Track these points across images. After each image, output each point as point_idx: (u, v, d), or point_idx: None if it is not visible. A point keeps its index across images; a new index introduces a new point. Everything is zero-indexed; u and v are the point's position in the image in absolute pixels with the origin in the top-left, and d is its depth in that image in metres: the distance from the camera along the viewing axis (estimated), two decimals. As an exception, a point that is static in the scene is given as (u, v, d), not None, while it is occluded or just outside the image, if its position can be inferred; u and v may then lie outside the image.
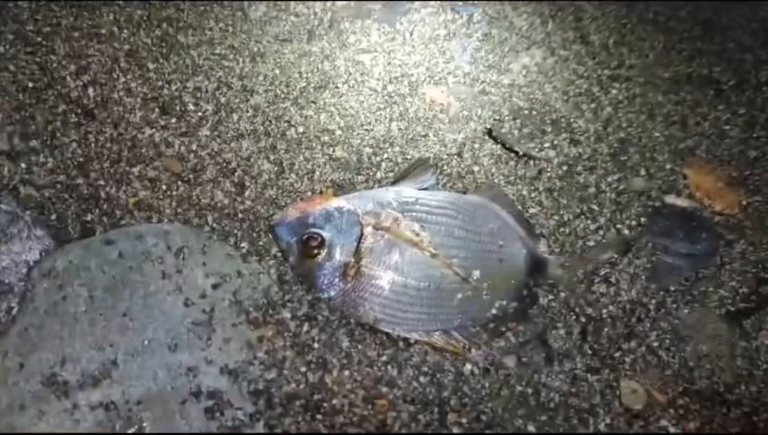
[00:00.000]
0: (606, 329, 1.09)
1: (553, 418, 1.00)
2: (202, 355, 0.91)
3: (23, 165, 1.00)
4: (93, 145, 1.04)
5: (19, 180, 0.99)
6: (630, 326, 1.09)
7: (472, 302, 1.02)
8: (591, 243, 1.15)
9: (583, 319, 1.08)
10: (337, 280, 0.97)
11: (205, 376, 0.90)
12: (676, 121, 1.39)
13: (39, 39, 1.13)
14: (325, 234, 0.96)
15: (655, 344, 1.08)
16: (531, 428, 0.99)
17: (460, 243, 1.01)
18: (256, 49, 1.26)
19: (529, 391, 1.02)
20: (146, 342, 0.90)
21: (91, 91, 1.09)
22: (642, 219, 1.20)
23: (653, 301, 1.12)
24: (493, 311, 1.03)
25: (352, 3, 1.43)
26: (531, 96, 1.32)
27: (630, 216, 1.20)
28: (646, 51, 1.53)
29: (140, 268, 0.94)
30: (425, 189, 1.06)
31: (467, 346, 1.01)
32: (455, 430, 0.96)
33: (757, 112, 1.42)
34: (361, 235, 0.97)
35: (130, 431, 0.86)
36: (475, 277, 1.01)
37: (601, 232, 1.16)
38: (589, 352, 1.07)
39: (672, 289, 1.14)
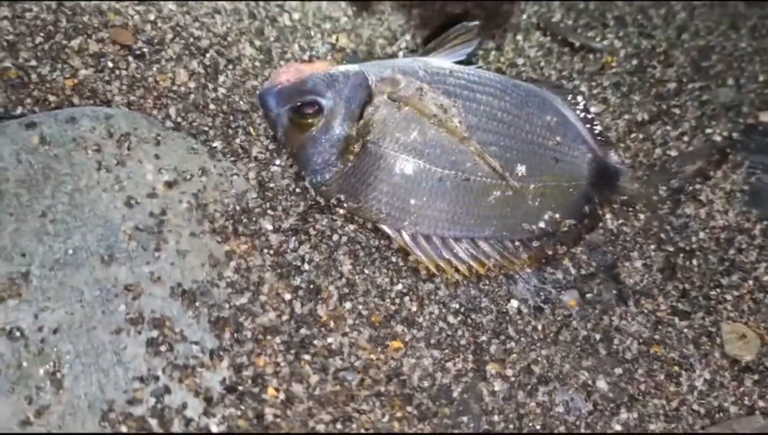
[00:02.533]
0: (697, 261, 0.82)
1: (631, 371, 0.73)
2: (146, 271, 0.66)
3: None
4: (28, 20, 0.80)
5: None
6: (729, 258, 0.82)
7: (512, 207, 0.76)
8: (673, 152, 0.88)
9: (666, 249, 0.82)
10: (333, 158, 0.72)
11: (150, 297, 0.65)
12: (765, 35, 1.12)
13: None
14: (324, 101, 0.72)
15: (767, 279, 0.80)
16: (601, 383, 0.72)
17: (502, 128, 0.75)
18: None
19: (597, 336, 0.75)
20: (70, 251, 0.65)
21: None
22: (734, 134, 0.93)
23: (758, 227, 0.85)
24: (541, 224, 0.77)
25: None
26: (586, -6, 1.07)
27: (719, 126, 0.93)
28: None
29: (69, 157, 0.69)
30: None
31: (499, 266, 0.75)
32: (497, 385, 0.70)
33: None
34: (369, 102, 0.73)
35: (42, 368, 0.61)
36: (519, 174, 0.75)
37: (685, 139, 0.89)
38: (675, 291, 0.79)
39: (780, 215, 0.87)
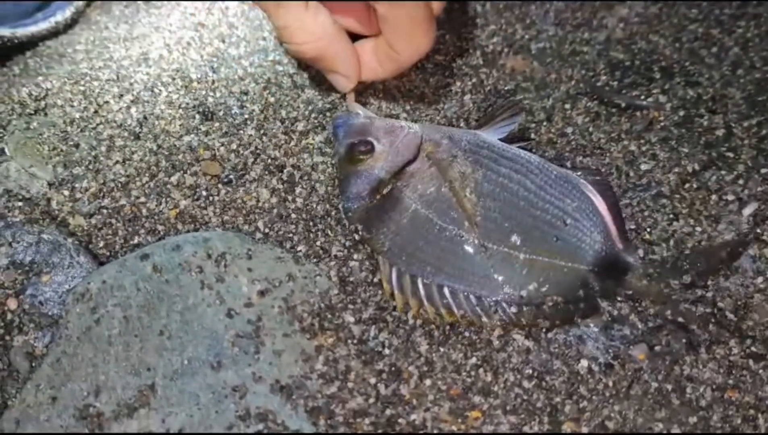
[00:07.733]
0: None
1: (706, 419, 0.76)
2: (248, 372, 0.77)
3: (66, 193, 0.93)
4: (135, 162, 0.96)
5: (67, 211, 0.92)
6: (799, 294, 0.84)
7: (498, 270, 0.83)
8: (729, 197, 0.90)
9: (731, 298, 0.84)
10: (365, 193, 0.86)
11: (254, 395, 0.76)
12: (827, 50, 1.13)
13: (86, 70, 1.08)
14: (378, 145, 0.86)
15: (837, 313, 0.81)
16: (676, 433, 0.75)
17: (511, 199, 0.84)
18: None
19: (669, 387, 0.79)
20: (186, 362, 0.78)
21: (133, 110, 1.02)
22: (799, 165, 0.95)
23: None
24: (523, 293, 0.83)
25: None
26: (633, 48, 1.11)
27: (781, 160, 0.95)
28: (777, -12, 1.28)
29: (177, 281, 0.82)
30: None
31: (468, 320, 0.82)
32: (574, 443, 0.75)
33: None
34: (413, 159, 0.86)
35: (171, 467, 0.72)
36: (513, 242, 0.83)
37: (740, 182, 0.92)
38: (750, 332, 0.82)
39: None
